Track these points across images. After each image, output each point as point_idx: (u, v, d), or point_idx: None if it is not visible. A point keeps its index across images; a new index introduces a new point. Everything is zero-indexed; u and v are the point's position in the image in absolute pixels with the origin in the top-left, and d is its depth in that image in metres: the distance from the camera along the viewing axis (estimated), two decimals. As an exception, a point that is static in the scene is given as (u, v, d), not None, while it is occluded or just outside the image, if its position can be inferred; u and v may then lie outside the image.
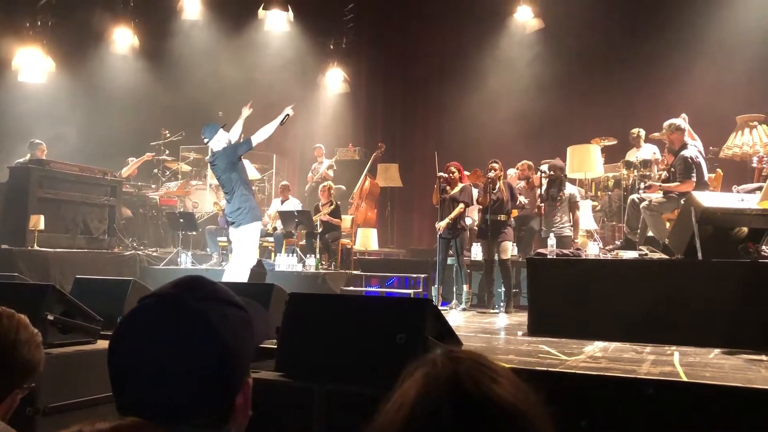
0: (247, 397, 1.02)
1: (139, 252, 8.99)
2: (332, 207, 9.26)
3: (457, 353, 0.86)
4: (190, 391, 0.94)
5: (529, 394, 0.82)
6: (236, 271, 6.29)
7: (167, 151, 11.24)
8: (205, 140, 6.41)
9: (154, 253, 9.29)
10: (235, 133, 6.65)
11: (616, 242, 7.31)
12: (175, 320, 0.97)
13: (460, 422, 0.77)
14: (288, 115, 6.46)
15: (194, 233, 9.58)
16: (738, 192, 6.04)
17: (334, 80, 12.59)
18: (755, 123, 7.69)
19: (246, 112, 6.84)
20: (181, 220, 9.37)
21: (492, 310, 7.25)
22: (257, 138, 6.30)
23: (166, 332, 0.96)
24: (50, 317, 3.18)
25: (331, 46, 12.54)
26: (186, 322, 0.97)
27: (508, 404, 0.79)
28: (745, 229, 4.99)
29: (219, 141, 6.29)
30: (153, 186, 11.11)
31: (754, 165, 7.08)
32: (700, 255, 4.77)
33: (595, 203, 8.59)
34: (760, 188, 5.30)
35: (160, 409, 0.93)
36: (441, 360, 0.83)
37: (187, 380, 0.94)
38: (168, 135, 11.09)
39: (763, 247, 5.07)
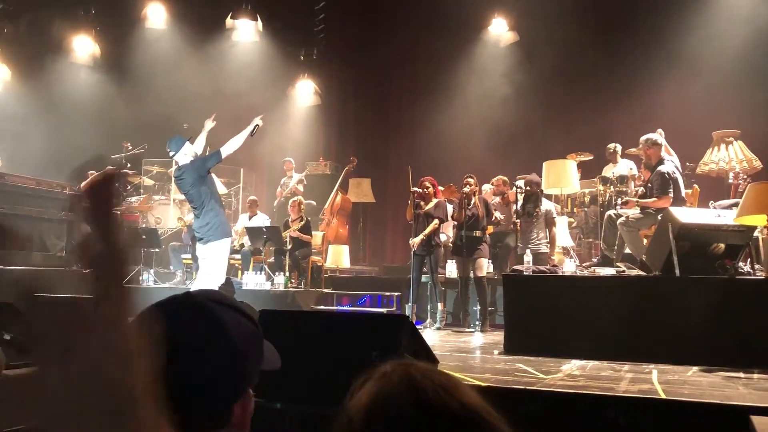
0: (245, 409, 1.02)
1: (99, 270, 8.67)
2: (302, 223, 9.11)
3: (407, 361, 0.85)
4: (194, 387, 0.95)
5: (484, 400, 0.81)
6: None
7: (129, 165, 10.97)
8: (171, 153, 6.20)
9: (115, 271, 8.97)
10: (198, 146, 6.46)
11: (593, 259, 7.36)
12: (189, 317, 1.00)
13: (423, 423, 0.76)
14: (258, 125, 6.31)
15: (157, 250, 9.36)
16: (715, 208, 6.21)
17: (305, 92, 12.45)
18: (731, 139, 7.78)
19: (209, 124, 6.68)
20: (144, 237, 9.16)
21: (467, 329, 7.19)
22: (226, 150, 6.12)
23: (179, 327, 0.97)
24: (6, 337, 3.10)
25: (302, 57, 12.37)
26: (200, 319, 1.00)
27: (470, 405, 0.78)
28: (722, 246, 5.00)
29: (185, 154, 6.08)
30: (114, 200, 10.81)
31: (731, 181, 7.22)
32: (677, 271, 4.81)
33: (572, 220, 8.60)
34: (736, 204, 5.42)
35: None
36: (392, 367, 0.83)
37: (193, 375, 0.96)
38: (130, 148, 10.86)
39: (740, 263, 5.10)
